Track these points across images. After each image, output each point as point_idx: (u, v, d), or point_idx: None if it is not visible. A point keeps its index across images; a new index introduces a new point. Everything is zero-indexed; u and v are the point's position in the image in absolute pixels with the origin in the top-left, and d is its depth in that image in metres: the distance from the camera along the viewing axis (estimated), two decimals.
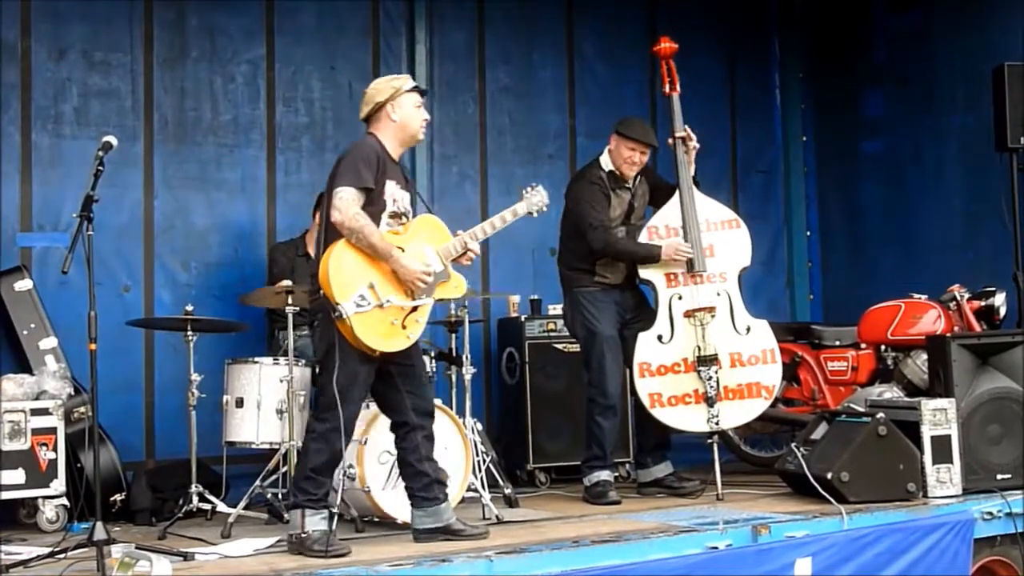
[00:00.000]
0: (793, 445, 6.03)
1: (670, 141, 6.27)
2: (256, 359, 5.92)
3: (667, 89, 6.36)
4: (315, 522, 4.76)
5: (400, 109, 5.00)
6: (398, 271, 4.83)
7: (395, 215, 4.96)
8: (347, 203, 4.76)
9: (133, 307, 6.72)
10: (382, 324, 4.80)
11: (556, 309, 7.02)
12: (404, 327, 4.87)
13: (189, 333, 5.90)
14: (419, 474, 5.00)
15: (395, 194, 4.97)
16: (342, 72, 7.57)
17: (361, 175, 4.82)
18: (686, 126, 6.24)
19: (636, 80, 8.48)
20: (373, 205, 4.87)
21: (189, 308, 5.97)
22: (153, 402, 6.78)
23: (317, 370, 4.98)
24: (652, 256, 6.09)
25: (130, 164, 6.79)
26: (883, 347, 6.80)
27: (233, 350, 6.32)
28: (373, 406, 5.29)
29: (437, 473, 5.06)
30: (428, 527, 4.96)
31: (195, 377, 5.90)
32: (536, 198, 5.34)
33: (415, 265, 4.87)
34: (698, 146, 6.25)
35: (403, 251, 4.88)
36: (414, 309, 4.89)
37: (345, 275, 4.75)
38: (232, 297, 6.74)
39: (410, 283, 4.85)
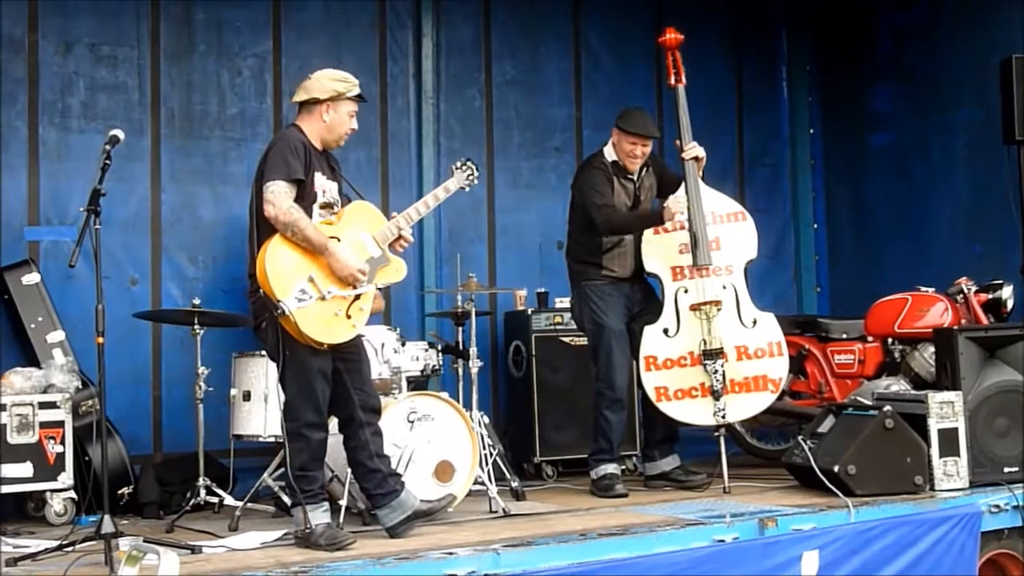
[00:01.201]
0: (800, 438, 6.03)
1: (677, 143, 6.25)
2: (263, 352, 5.87)
3: (672, 80, 6.33)
4: (317, 516, 4.77)
5: (334, 113, 4.99)
6: (334, 267, 4.78)
7: (325, 205, 4.92)
8: (279, 196, 4.71)
9: (140, 300, 6.72)
10: (326, 316, 4.75)
11: (563, 302, 7.01)
12: (349, 316, 4.82)
13: (196, 327, 5.93)
14: (372, 472, 4.97)
15: (323, 184, 4.94)
16: (349, 66, 7.30)
17: (291, 167, 4.78)
18: (695, 143, 6.19)
19: (643, 73, 8.45)
20: (304, 198, 4.83)
21: (196, 302, 6.01)
22: (161, 395, 6.78)
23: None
24: (656, 218, 6.08)
25: (137, 158, 6.79)
26: (890, 340, 6.80)
27: (240, 344, 6.32)
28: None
29: (389, 466, 5.05)
30: (399, 520, 4.94)
31: (202, 370, 5.93)
32: (466, 172, 5.33)
33: (352, 260, 4.82)
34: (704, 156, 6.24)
35: (339, 240, 4.84)
36: (357, 297, 4.85)
37: (283, 270, 4.69)
38: (239, 291, 6.74)
39: (348, 278, 4.80)
